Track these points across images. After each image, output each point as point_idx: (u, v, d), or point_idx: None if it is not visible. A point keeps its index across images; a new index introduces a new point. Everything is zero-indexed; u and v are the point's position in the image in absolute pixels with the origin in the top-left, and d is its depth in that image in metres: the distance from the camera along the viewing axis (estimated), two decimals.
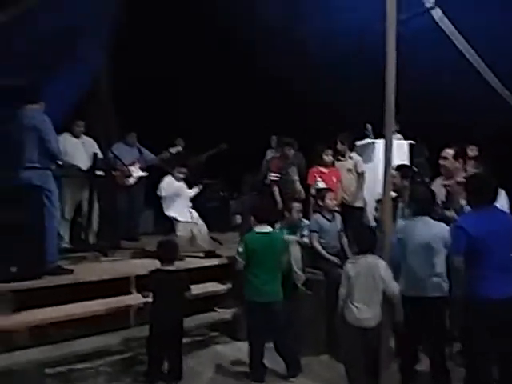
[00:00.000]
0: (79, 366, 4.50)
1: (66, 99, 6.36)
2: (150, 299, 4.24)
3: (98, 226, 6.63)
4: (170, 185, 6.34)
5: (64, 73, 5.95)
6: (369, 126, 7.27)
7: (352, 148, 6.93)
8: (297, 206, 5.68)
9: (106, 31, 5.88)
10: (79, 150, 6.46)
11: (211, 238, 6.54)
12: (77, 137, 6.58)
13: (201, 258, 6.08)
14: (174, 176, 6.42)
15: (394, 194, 4.62)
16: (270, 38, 7.33)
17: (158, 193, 6.31)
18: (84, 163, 6.41)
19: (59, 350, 4.49)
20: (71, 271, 5.10)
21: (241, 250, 4.40)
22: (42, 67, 5.48)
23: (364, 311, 3.86)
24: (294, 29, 7.03)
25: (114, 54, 7.18)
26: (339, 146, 6.74)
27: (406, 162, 6.71)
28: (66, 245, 6.33)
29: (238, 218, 6.30)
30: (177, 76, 8.24)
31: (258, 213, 4.48)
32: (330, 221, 5.54)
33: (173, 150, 7.57)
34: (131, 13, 6.02)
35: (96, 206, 6.55)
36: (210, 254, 6.15)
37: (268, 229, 4.44)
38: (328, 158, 6.67)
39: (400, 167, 5.43)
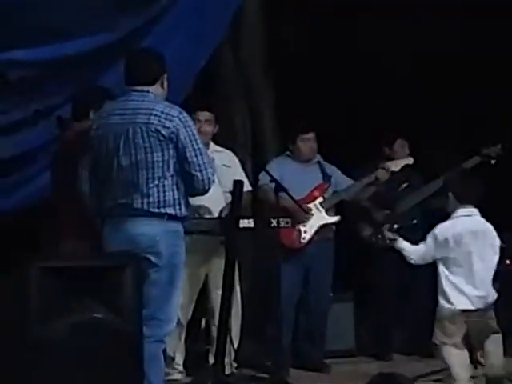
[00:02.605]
0: None
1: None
2: None
3: (239, 335, 3.41)
4: (448, 238, 2.94)
5: None
6: None
7: None
8: None
9: None
10: None
11: None
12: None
13: None
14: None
15: None
16: None
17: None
18: (214, 204, 3.29)
19: None
20: None
21: None
22: None
23: None
24: None
25: None
26: None
27: None
28: (177, 375, 3.36)
29: None
30: None
31: None
32: None
33: (393, 165, 3.85)
34: None
35: (237, 294, 3.34)
36: None
37: None
38: None
39: None
